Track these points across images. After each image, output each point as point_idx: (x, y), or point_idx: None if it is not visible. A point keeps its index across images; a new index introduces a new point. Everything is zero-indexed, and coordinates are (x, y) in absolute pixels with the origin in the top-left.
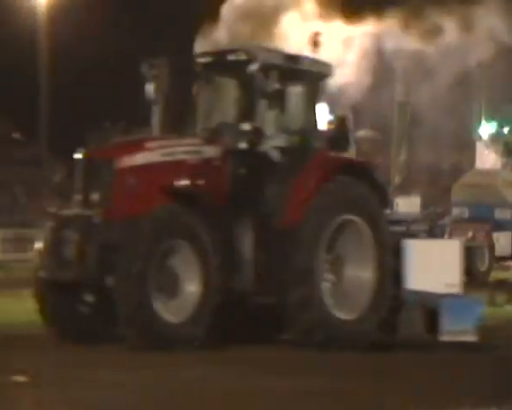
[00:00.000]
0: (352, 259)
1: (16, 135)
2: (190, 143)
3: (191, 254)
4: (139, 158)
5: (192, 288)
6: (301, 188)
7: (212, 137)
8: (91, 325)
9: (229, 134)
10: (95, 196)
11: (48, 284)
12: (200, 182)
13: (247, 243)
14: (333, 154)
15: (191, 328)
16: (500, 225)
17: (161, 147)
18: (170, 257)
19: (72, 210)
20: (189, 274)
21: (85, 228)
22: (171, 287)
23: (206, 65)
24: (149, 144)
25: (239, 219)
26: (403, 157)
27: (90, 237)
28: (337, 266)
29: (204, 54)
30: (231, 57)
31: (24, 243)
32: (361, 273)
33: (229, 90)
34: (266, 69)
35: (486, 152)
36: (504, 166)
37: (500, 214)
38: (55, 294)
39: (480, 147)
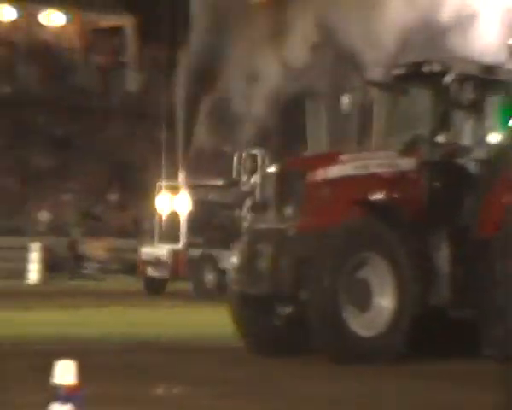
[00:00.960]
0: None
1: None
2: (385, 156)
3: (384, 267)
4: (332, 171)
5: (385, 302)
6: (498, 200)
7: (406, 149)
8: (286, 338)
9: (425, 146)
10: (288, 210)
11: (242, 298)
12: (395, 195)
13: (442, 256)
14: None
15: (384, 342)
16: None
17: (355, 160)
18: (362, 270)
19: (267, 223)
20: (383, 288)
21: (279, 241)
22: (363, 300)
23: (399, 77)
24: (343, 157)
25: (434, 231)
26: None
27: (284, 251)
28: None
29: (398, 66)
30: (426, 68)
31: None
32: None
33: (424, 101)
34: (462, 80)
35: None
36: None
37: None
38: (250, 307)
39: None
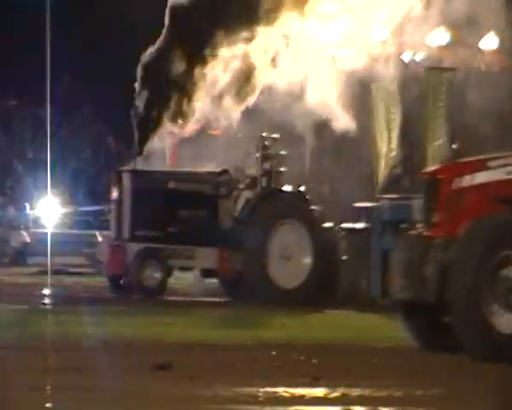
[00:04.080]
0: None
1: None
2: None
3: None
4: (479, 177)
5: None
6: None
7: None
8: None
9: None
10: (433, 216)
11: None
12: None
13: None
14: None
15: None
16: None
17: (506, 165)
18: (505, 269)
19: (417, 230)
20: None
21: (424, 248)
22: (506, 298)
23: None
24: (492, 163)
25: None
26: None
27: (428, 257)
28: None
29: None
30: None
31: None
32: None
33: None
34: None
35: None
36: None
37: None
38: (407, 311)
39: None
